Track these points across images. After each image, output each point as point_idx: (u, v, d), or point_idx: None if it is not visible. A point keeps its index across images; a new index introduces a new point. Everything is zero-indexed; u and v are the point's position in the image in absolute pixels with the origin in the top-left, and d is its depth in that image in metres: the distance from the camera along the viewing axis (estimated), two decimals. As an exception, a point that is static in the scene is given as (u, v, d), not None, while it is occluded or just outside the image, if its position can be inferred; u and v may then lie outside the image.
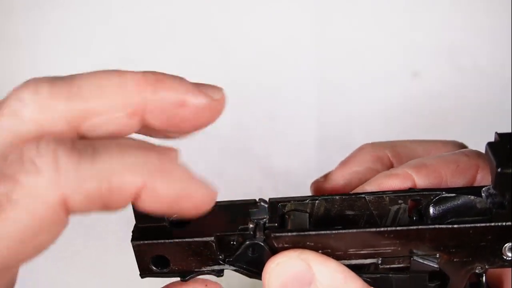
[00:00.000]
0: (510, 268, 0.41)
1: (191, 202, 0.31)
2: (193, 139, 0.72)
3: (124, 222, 0.81)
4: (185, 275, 0.38)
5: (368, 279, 0.37)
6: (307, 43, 0.77)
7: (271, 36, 0.77)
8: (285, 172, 0.75)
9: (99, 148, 0.29)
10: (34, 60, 0.79)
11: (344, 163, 0.49)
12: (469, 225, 0.35)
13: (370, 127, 0.69)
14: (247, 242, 0.37)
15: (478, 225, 0.35)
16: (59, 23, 0.77)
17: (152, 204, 0.30)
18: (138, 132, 0.33)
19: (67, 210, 0.28)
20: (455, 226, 0.36)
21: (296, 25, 0.76)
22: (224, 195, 0.40)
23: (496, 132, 0.36)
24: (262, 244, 0.37)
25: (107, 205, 0.29)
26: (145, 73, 0.32)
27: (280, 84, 0.78)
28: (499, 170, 0.34)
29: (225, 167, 0.74)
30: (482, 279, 0.40)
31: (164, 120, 0.32)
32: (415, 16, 0.75)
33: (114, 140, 0.30)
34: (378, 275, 0.38)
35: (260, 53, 0.77)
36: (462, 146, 0.49)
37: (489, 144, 0.35)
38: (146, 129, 0.33)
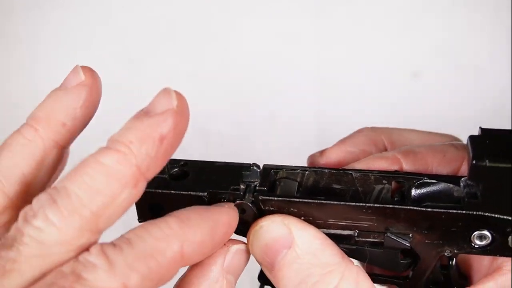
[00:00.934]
0: (479, 255, 0.43)
1: (223, 228, 0.35)
2: (193, 138, 0.72)
3: (122, 222, 0.81)
4: None
5: (344, 249, 0.39)
6: (307, 43, 0.77)
7: (271, 37, 0.77)
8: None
9: (129, 235, 0.32)
10: (34, 59, 0.79)
11: (341, 142, 0.51)
12: (442, 210, 0.37)
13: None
14: (236, 202, 0.39)
15: (451, 211, 0.37)
16: (59, 23, 0.77)
17: (199, 252, 0.34)
18: None
19: None
20: (429, 209, 0.37)
21: (296, 26, 0.76)
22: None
23: (480, 127, 0.38)
24: (250, 205, 0.39)
25: (163, 277, 0.32)
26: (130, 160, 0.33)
27: (280, 84, 0.78)
28: (474, 162, 0.35)
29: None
30: (452, 262, 0.43)
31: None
32: (415, 16, 0.75)
33: (140, 227, 0.33)
34: (355, 247, 0.40)
35: (260, 53, 0.77)
36: (457, 140, 0.50)
37: (470, 137, 0.37)
38: None
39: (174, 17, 0.77)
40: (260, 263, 0.40)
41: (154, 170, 0.33)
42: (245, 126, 0.77)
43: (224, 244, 0.38)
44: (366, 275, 0.38)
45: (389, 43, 0.76)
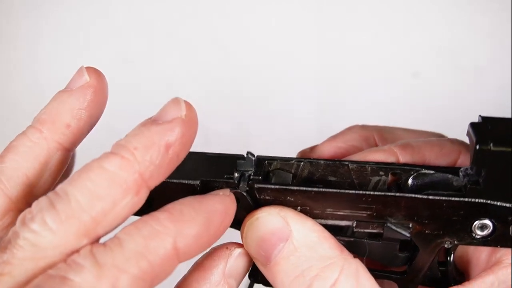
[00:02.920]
0: (478, 249, 0.43)
1: (220, 217, 0.33)
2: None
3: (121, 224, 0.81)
4: None
5: (342, 242, 0.38)
6: (308, 43, 0.77)
7: (271, 37, 0.77)
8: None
9: (120, 234, 0.31)
10: (34, 59, 0.79)
11: (331, 139, 0.50)
12: (443, 198, 0.36)
13: (370, 127, 0.70)
14: (231, 191, 0.37)
15: (452, 199, 0.36)
16: (59, 23, 0.77)
17: (195, 245, 0.32)
18: None
19: None
20: (430, 197, 0.36)
21: (297, 26, 0.76)
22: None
23: (479, 115, 0.38)
24: (244, 194, 0.37)
25: (157, 276, 0.30)
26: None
27: (280, 84, 0.78)
28: (477, 147, 0.35)
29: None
30: (450, 258, 0.42)
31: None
32: (415, 16, 0.75)
33: (131, 225, 0.32)
34: (353, 239, 0.39)
35: (261, 53, 0.77)
36: (447, 138, 0.50)
37: (472, 124, 0.37)
38: None
39: (174, 17, 0.77)
40: (254, 258, 0.38)
41: (157, 179, 0.32)
42: (245, 126, 0.77)
43: (226, 248, 0.38)
44: (366, 269, 0.37)
45: (389, 43, 0.76)
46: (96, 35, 0.77)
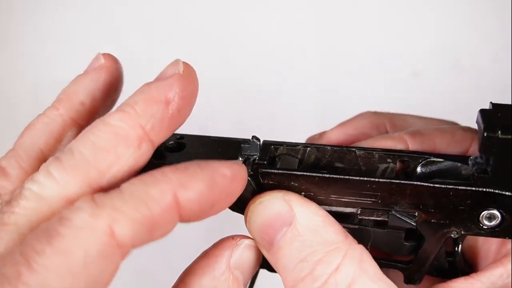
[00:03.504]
0: (487, 241, 0.42)
1: (224, 180, 0.33)
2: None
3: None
4: None
5: (347, 229, 0.37)
6: (308, 43, 0.77)
7: (271, 37, 0.77)
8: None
9: (122, 185, 0.31)
10: (34, 59, 0.79)
11: (341, 125, 0.50)
12: (450, 187, 0.35)
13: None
14: None
15: (459, 187, 0.35)
16: (59, 23, 0.77)
17: (197, 202, 0.31)
18: None
19: (117, 241, 0.29)
20: (437, 185, 0.35)
21: (297, 26, 0.76)
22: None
23: (491, 102, 0.37)
24: (249, 178, 0.37)
25: (154, 227, 0.30)
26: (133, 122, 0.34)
27: (280, 84, 0.78)
28: (485, 134, 0.34)
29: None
30: (458, 248, 0.41)
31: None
32: (416, 16, 0.75)
33: (135, 177, 0.32)
34: (358, 227, 0.38)
35: (261, 53, 0.77)
36: (459, 125, 0.49)
37: (481, 111, 0.36)
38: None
39: (174, 17, 0.77)
40: (257, 242, 0.38)
41: (160, 134, 0.33)
42: (245, 126, 0.77)
43: (233, 238, 0.37)
44: (370, 255, 0.36)
45: (389, 43, 0.76)
46: (96, 35, 0.77)
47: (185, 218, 0.31)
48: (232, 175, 0.33)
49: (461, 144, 0.43)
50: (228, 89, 0.78)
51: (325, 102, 0.78)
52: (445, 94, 0.76)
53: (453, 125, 0.47)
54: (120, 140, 0.32)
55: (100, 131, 0.32)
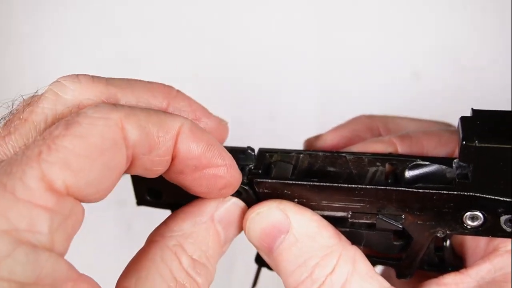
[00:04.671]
0: (477, 237, 0.43)
1: (218, 158, 0.36)
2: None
3: (121, 223, 0.81)
4: (177, 207, 0.40)
5: (341, 231, 0.40)
6: (308, 43, 0.77)
7: (271, 36, 0.77)
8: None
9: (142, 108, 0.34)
10: (34, 59, 0.79)
11: (337, 128, 0.52)
12: (433, 191, 0.37)
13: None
14: None
15: (442, 192, 0.37)
16: (59, 23, 0.77)
17: (189, 147, 0.34)
18: None
19: (125, 136, 0.32)
20: (420, 190, 0.37)
21: (297, 25, 0.76)
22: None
23: (471, 108, 0.38)
24: (247, 188, 0.39)
25: (155, 142, 0.33)
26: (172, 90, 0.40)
27: (280, 84, 0.78)
28: (463, 143, 0.36)
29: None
30: (446, 243, 0.43)
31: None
32: (416, 16, 0.75)
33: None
34: (350, 230, 0.40)
35: (261, 53, 0.77)
36: (452, 126, 0.51)
37: (461, 118, 0.37)
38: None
39: (174, 17, 0.77)
40: (257, 248, 0.40)
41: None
42: (245, 126, 0.77)
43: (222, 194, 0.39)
44: (363, 254, 0.39)
45: (389, 43, 0.76)
46: (96, 35, 0.77)
47: (174, 158, 0.34)
48: (230, 164, 0.36)
49: (448, 146, 0.45)
50: (228, 89, 0.78)
51: (325, 102, 0.78)
52: (445, 94, 0.76)
53: (441, 128, 0.49)
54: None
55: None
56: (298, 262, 0.38)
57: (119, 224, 0.80)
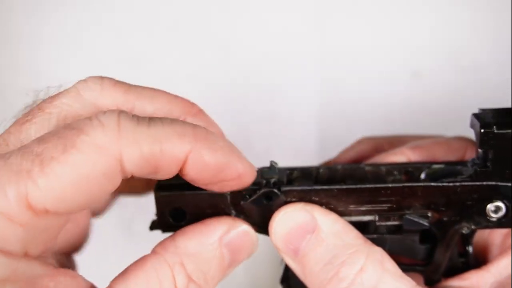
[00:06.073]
0: (493, 236, 0.46)
1: (234, 172, 0.36)
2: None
3: (121, 223, 0.81)
4: None
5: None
6: (307, 43, 0.77)
7: (271, 36, 0.77)
8: (285, 172, 0.75)
9: (154, 119, 0.33)
10: (34, 59, 0.79)
11: (344, 152, 0.54)
12: (457, 184, 0.39)
13: (371, 127, 0.70)
14: (265, 189, 0.40)
15: (465, 183, 0.39)
16: (59, 24, 0.77)
17: (198, 171, 0.34)
18: None
19: (122, 167, 0.31)
20: (445, 184, 0.39)
21: (296, 25, 0.76)
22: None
23: (479, 108, 0.42)
24: (277, 192, 0.40)
25: (157, 169, 0.33)
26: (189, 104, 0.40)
27: (280, 84, 0.78)
28: (482, 130, 0.39)
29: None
30: (469, 248, 0.44)
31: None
32: (415, 16, 0.75)
33: (168, 117, 0.35)
34: (375, 236, 0.42)
35: (261, 53, 0.77)
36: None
37: (474, 114, 0.41)
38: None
39: (173, 17, 0.77)
40: (283, 252, 0.41)
41: None
42: (245, 126, 0.77)
43: (233, 219, 0.40)
44: (389, 256, 0.39)
45: (389, 43, 0.76)
46: (96, 35, 0.77)
47: (184, 174, 0.34)
48: (243, 172, 0.36)
49: (457, 152, 0.47)
50: (228, 89, 0.78)
51: (325, 102, 0.78)
52: (445, 94, 0.76)
53: (448, 137, 0.51)
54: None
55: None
56: (324, 261, 0.39)
57: (119, 224, 0.80)
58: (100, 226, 0.70)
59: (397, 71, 0.76)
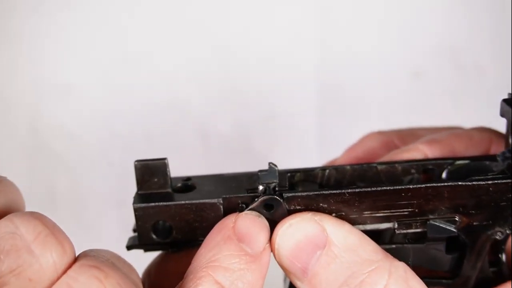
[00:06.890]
0: None
1: None
2: (193, 138, 0.72)
3: (122, 224, 0.81)
4: (187, 245, 0.35)
5: (384, 249, 0.34)
6: (308, 43, 0.77)
7: (271, 36, 0.77)
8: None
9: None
10: (34, 59, 0.79)
11: (350, 150, 0.47)
12: (489, 182, 0.33)
13: (371, 127, 0.70)
14: (265, 197, 0.34)
15: (498, 181, 0.33)
16: (60, 24, 0.77)
17: None
18: None
19: None
20: (474, 183, 0.33)
21: (297, 26, 0.76)
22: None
23: (509, 92, 0.36)
24: (279, 199, 0.34)
25: None
26: None
27: (280, 84, 0.78)
28: None
29: (225, 166, 0.74)
30: (502, 256, 0.38)
31: None
32: (416, 16, 0.75)
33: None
34: (394, 246, 0.35)
35: (261, 53, 0.77)
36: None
37: (504, 100, 0.35)
38: None
39: (175, 18, 0.76)
40: (288, 271, 0.34)
41: None
42: (245, 126, 0.77)
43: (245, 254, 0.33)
44: (413, 272, 0.33)
45: (389, 43, 0.76)
46: (96, 35, 0.77)
47: None
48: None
49: (481, 145, 0.41)
50: (228, 89, 0.78)
51: (325, 103, 0.78)
52: (446, 94, 0.76)
53: (467, 128, 0.45)
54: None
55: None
56: (338, 281, 0.32)
57: (119, 224, 0.80)
58: (100, 226, 0.70)
59: (397, 71, 0.76)
